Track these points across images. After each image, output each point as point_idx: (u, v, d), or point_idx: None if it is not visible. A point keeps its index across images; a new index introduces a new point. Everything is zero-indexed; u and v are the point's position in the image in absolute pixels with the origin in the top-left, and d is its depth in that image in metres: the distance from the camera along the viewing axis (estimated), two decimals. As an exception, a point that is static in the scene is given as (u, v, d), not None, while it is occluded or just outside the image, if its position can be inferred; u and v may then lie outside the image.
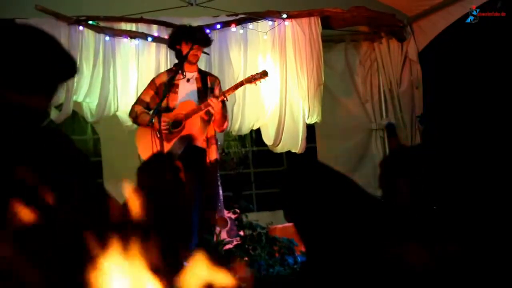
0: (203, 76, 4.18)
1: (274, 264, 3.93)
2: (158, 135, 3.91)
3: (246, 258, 4.00)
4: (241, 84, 4.12)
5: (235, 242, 4.32)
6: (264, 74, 4.11)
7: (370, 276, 1.46)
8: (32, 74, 1.31)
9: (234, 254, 4.04)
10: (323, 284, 1.51)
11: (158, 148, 3.85)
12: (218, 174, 4.36)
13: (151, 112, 4.01)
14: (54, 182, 1.17)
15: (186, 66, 4.09)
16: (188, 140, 3.94)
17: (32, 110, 1.30)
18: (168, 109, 4.00)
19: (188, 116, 3.99)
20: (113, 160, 5.16)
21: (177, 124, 3.99)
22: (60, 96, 4.45)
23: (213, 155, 4.09)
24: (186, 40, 4.06)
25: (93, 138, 5.76)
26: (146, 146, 4.01)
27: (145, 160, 1.53)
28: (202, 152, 4.04)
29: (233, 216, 4.57)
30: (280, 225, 4.69)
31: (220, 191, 4.56)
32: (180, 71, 4.02)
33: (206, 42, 4.17)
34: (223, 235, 4.44)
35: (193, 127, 3.96)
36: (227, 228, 4.57)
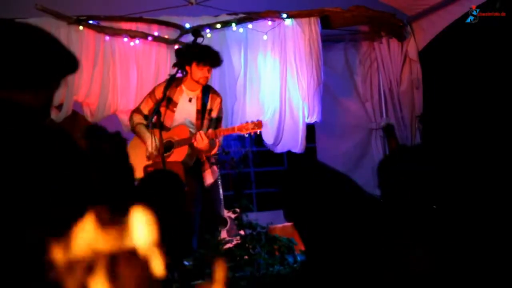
0: (205, 94, 4.08)
1: (273, 263, 3.93)
2: (150, 154, 3.89)
3: (246, 257, 4.00)
4: (232, 130, 3.99)
5: (235, 241, 4.32)
6: (257, 126, 3.90)
7: (369, 275, 1.46)
8: (32, 71, 1.32)
9: (235, 254, 4.05)
10: (322, 283, 1.52)
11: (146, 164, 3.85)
12: (219, 176, 4.34)
13: (150, 117, 3.99)
14: (55, 180, 1.18)
15: (192, 85, 4.05)
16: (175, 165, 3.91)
17: (33, 107, 1.30)
18: (162, 127, 3.88)
19: (179, 144, 3.95)
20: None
21: (167, 148, 3.95)
22: (60, 95, 4.46)
23: (208, 179, 4.07)
24: (198, 62, 3.93)
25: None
26: (136, 158, 4.00)
27: (146, 170, 1.54)
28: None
29: (233, 216, 4.57)
30: (280, 225, 4.69)
31: (221, 191, 4.56)
32: (180, 72, 3.99)
33: (218, 63, 4.04)
34: (223, 234, 4.44)
35: (181, 154, 3.94)
36: (227, 227, 4.58)
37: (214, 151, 4.08)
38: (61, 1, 4.63)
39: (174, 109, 4.07)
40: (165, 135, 3.93)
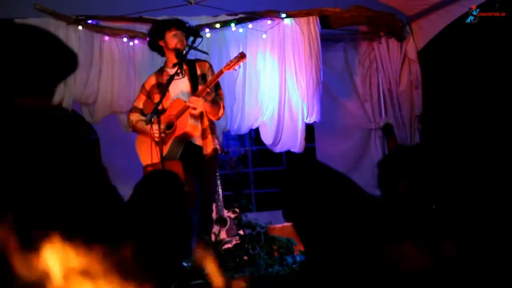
0: (192, 65, 4.12)
1: (273, 263, 3.94)
2: (156, 140, 3.90)
3: (246, 257, 4.00)
4: (221, 72, 4.00)
5: (234, 242, 4.32)
6: (241, 56, 3.98)
7: (369, 275, 1.46)
8: (32, 70, 1.32)
9: (234, 254, 4.05)
10: (322, 284, 1.51)
11: (157, 154, 3.85)
12: (217, 169, 4.33)
13: (147, 115, 3.99)
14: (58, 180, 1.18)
15: (173, 59, 4.05)
16: (183, 139, 3.95)
17: (33, 107, 1.30)
18: (164, 110, 3.98)
19: (177, 116, 3.96)
20: (113, 159, 5.16)
21: (169, 125, 3.98)
22: (59, 95, 4.45)
23: (209, 146, 4.03)
24: (169, 28, 4.01)
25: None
26: (146, 153, 4.02)
27: (145, 170, 1.54)
28: (198, 150, 4.03)
29: (232, 216, 4.57)
30: (279, 225, 4.69)
31: (220, 191, 4.56)
32: (179, 70, 3.99)
33: (184, 25, 4.10)
34: (223, 235, 4.44)
35: (184, 125, 3.94)
36: (227, 227, 4.58)
37: (221, 113, 4.06)
38: (60, 1, 4.62)
39: (169, 89, 4.06)
40: (163, 117, 3.94)
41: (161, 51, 4.15)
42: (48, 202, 1.15)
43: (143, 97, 4.19)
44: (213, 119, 4.07)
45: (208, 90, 3.97)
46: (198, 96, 3.91)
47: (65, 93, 4.53)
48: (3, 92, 1.28)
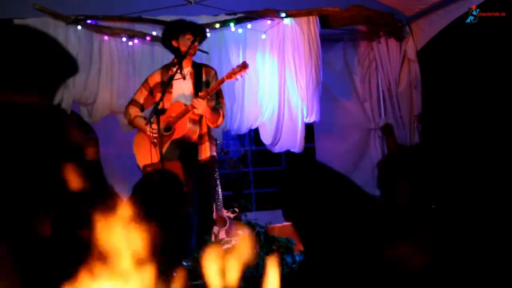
0: (198, 69, 4.13)
1: (272, 263, 3.93)
2: (154, 141, 3.90)
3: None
4: (222, 81, 4.01)
5: (233, 242, 4.32)
6: (243, 66, 3.96)
7: (368, 275, 1.46)
8: (33, 74, 1.32)
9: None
10: (321, 283, 1.51)
11: (156, 155, 3.85)
12: (216, 173, 4.33)
13: (146, 111, 4.00)
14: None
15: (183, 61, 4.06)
16: (181, 142, 3.96)
17: (33, 109, 1.30)
18: (164, 111, 3.97)
19: (177, 119, 3.97)
20: (112, 159, 5.15)
21: (168, 127, 3.98)
22: (58, 96, 4.45)
23: (204, 153, 4.05)
24: (185, 32, 4.01)
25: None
26: (144, 153, 4.02)
27: (145, 170, 1.55)
28: (195, 151, 4.03)
29: (232, 215, 4.57)
30: (279, 224, 4.69)
31: (219, 191, 4.56)
32: (179, 71, 4.00)
33: (203, 31, 4.13)
34: (222, 235, 4.44)
35: (182, 129, 3.95)
36: (226, 227, 4.57)
37: (220, 121, 4.07)
38: (60, 1, 4.62)
39: (171, 90, 4.07)
40: (163, 118, 3.94)
41: (172, 50, 4.14)
42: (41, 199, 1.15)
43: (145, 92, 4.17)
44: (212, 126, 4.08)
45: (208, 96, 3.96)
46: (202, 98, 3.90)
47: (65, 93, 4.53)
48: (4, 93, 1.29)
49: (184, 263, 3.19)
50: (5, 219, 1.15)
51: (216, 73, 4.19)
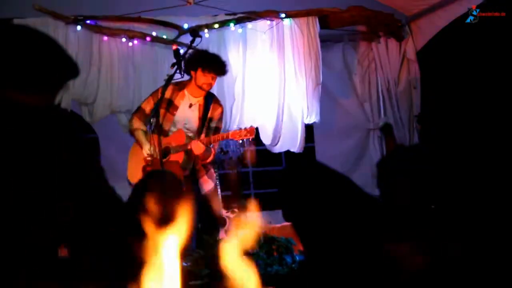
0: (207, 102, 4.09)
1: (272, 263, 3.93)
2: (147, 160, 3.91)
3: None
4: (227, 136, 3.99)
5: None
6: (250, 132, 3.90)
7: (368, 275, 1.46)
8: (35, 75, 1.32)
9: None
10: (321, 283, 1.51)
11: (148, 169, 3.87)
12: (217, 178, 4.34)
13: (149, 117, 3.98)
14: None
15: (195, 91, 4.04)
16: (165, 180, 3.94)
17: (34, 109, 1.30)
18: (161, 129, 3.89)
19: (175, 150, 3.98)
20: (112, 159, 5.15)
21: (164, 154, 3.94)
22: (58, 96, 4.44)
23: (206, 186, 4.10)
24: (204, 68, 3.95)
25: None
26: (135, 168, 4.01)
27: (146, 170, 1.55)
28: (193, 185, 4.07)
29: (231, 216, 4.56)
30: (279, 225, 4.69)
31: (219, 191, 4.56)
32: (178, 72, 3.99)
33: (224, 72, 4.07)
34: (222, 235, 4.44)
35: (177, 159, 3.97)
36: (226, 227, 4.57)
37: (210, 159, 4.09)
38: (59, 1, 4.62)
39: (175, 112, 4.06)
40: (163, 140, 3.92)
41: (187, 72, 4.04)
42: (42, 198, 1.15)
43: (152, 103, 4.06)
44: (201, 162, 4.10)
45: (211, 144, 3.95)
46: (203, 144, 3.89)
47: (64, 93, 4.53)
48: (5, 93, 1.29)
49: (184, 263, 3.20)
50: (4, 219, 1.15)
51: (222, 111, 4.18)
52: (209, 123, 4.07)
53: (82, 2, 4.85)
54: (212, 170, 4.21)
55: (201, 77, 3.96)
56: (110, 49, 4.73)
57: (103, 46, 4.73)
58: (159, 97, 4.00)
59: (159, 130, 3.76)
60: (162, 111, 3.96)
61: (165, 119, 4.00)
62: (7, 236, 1.14)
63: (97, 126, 4.98)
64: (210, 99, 4.11)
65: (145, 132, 4.03)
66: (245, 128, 3.93)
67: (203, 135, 4.02)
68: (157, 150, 3.72)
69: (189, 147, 3.91)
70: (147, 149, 3.94)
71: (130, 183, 4.06)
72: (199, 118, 4.06)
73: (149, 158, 3.88)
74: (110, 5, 4.81)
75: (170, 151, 3.97)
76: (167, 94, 4.02)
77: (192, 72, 4.00)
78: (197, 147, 3.87)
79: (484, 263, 1.62)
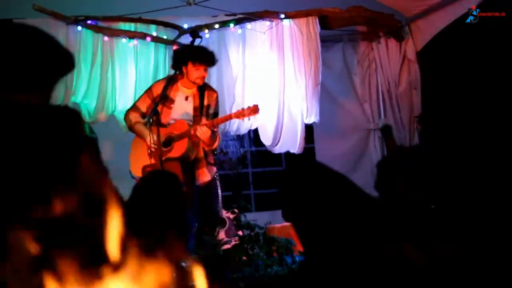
0: (201, 91, 4.10)
1: (272, 264, 3.93)
2: (152, 149, 3.89)
3: (245, 258, 4.00)
4: (229, 117, 4.01)
5: (233, 242, 4.32)
6: (254, 110, 3.90)
7: (368, 276, 1.46)
8: (30, 70, 1.31)
9: (233, 254, 4.04)
10: (321, 284, 1.51)
11: (152, 162, 3.85)
12: (218, 188, 4.32)
13: (149, 116, 3.98)
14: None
15: (189, 84, 4.05)
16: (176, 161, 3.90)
17: (31, 107, 1.30)
18: (160, 124, 3.92)
19: (178, 137, 3.95)
20: (112, 159, 5.15)
21: (167, 143, 3.96)
22: (58, 96, 4.45)
23: (203, 177, 4.06)
24: (194, 62, 3.95)
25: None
26: (138, 161, 4.01)
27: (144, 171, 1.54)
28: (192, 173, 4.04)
29: (231, 216, 4.57)
30: (279, 225, 4.69)
31: (219, 191, 4.55)
32: (178, 72, 3.99)
33: (213, 62, 4.07)
34: (221, 235, 4.44)
35: (181, 149, 3.94)
36: (226, 228, 4.57)
37: (216, 144, 4.07)
38: (60, 1, 4.62)
39: (171, 105, 4.06)
40: (165, 131, 3.94)
41: (179, 68, 4.05)
42: (41, 199, 1.15)
43: (148, 101, 4.09)
44: (207, 148, 4.07)
45: (214, 126, 3.95)
46: (208, 127, 3.88)
47: (65, 94, 4.53)
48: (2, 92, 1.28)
49: (183, 264, 3.19)
50: (4, 219, 1.15)
51: (217, 97, 4.18)
52: (207, 110, 4.07)
53: (82, 2, 4.85)
54: (214, 168, 4.19)
55: (193, 72, 3.97)
56: (110, 49, 4.74)
57: (104, 47, 4.73)
58: (154, 94, 4.04)
59: (157, 125, 3.80)
60: (159, 106, 3.96)
61: (163, 113, 4.00)
62: (7, 236, 1.14)
63: (97, 126, 4.97)
64: (203, 87, 4.12)
65: (145, 125, 4.03)
66: (248, 107, 3.92)
67: (204, 119, 4.01)
68: (159, 139, 3.73)
69: (192, 132, 3.89)
70: (148, 140, 3.92)
71: (133, 176, 4.04)
72: (194, 108, 4.07)
73: (154, 147, 3.86)
74: (110, 6, 4.81)
75: (173, 139, 3.97)
76: (161, 88, 4.02)
77: (184, 68, 4.00)
78: (202, 131, 3.85)
79: (484, 263, 1.62)
